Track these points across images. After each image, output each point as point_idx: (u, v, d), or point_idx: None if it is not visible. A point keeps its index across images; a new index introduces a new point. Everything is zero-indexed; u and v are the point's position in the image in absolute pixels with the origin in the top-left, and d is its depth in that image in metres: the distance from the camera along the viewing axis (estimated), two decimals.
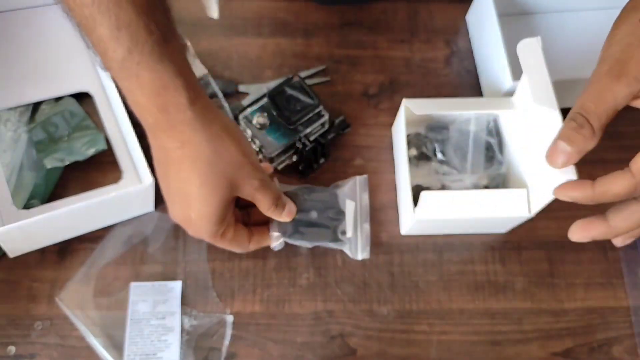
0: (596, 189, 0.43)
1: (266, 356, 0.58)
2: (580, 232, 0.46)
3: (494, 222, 0.61)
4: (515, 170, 0.61)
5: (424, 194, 0.56)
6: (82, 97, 0.64)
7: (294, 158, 0.63)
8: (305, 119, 0.62)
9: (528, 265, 0.63)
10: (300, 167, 0.63)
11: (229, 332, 0.58)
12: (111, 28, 0.40)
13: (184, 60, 0.44)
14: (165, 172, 0.47)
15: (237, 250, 0.56)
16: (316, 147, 0.62)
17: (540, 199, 0.55)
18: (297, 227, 0.57)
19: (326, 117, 0.63)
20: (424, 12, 0.74)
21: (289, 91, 0.63)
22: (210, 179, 0.45)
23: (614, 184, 0.42)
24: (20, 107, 0.62)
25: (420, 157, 0.63)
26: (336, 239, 0.58)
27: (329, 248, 0.60)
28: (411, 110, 0.60)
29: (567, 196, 0.46)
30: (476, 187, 0.61)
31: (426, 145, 0.63)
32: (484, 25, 0.68)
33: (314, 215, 0.58)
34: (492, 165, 0.62)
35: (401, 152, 0.61)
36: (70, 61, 0.64)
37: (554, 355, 0.60)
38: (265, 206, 0.53)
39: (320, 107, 0.62)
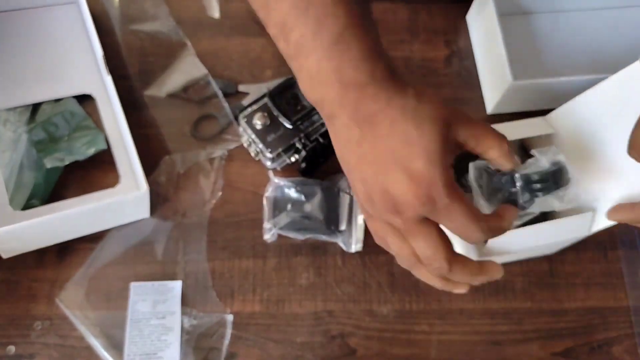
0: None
1: (266, 356, 0.58)
2: (611, 212, 0.51)
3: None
4: None
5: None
6: (83, 98, 0.64)
7: (294, 158, 0.63)
8: (306, 118, 0.62)
9: (528, 265, 0.63)
10: (301, 167, 0.63)
11: (228, 332, 0.58)
12: (325, 5, 0.42)
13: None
14: (372, 140, 0.43)
15: (472, 227, 0.43)
16: (316, 147, 0.62)
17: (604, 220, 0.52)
18: (290, 219, 0.57)
19: None
20: (424, 12, 0.74)
21: (289, 91, 0.63)
22: (422, 117, 0.43)
23: None
24: (20, 107, 0.62)
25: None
26: (329, 232, 0.58)
27: (324, 241, 0.60)
28: None
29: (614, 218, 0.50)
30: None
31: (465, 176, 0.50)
32: (484, 25, 0.68)
33: (307, 207, 0.58)
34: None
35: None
36: (73, 62, 0.64)
37: (554, 355, 0.60)
38: (491, 139, 0.45)
39: None
